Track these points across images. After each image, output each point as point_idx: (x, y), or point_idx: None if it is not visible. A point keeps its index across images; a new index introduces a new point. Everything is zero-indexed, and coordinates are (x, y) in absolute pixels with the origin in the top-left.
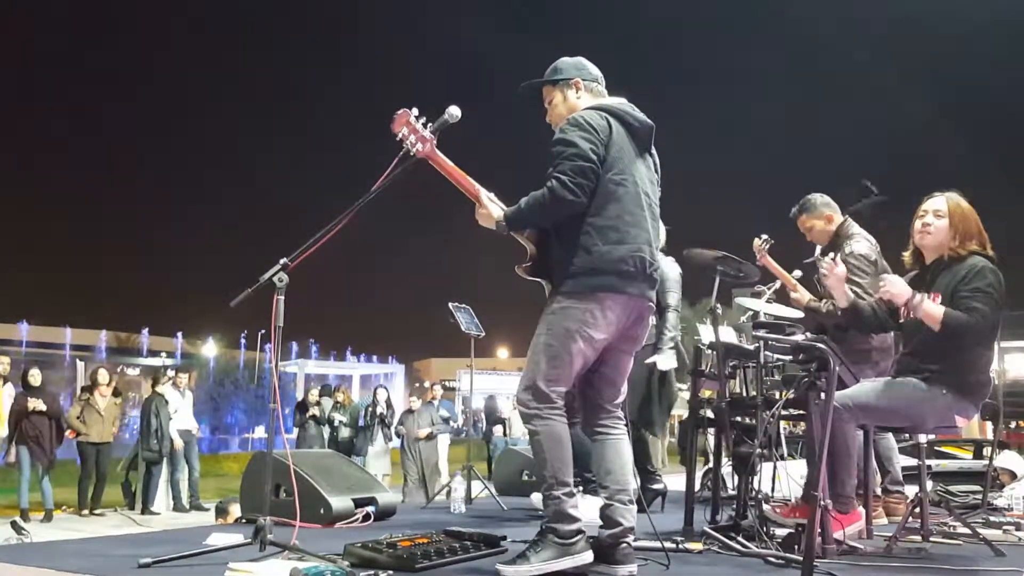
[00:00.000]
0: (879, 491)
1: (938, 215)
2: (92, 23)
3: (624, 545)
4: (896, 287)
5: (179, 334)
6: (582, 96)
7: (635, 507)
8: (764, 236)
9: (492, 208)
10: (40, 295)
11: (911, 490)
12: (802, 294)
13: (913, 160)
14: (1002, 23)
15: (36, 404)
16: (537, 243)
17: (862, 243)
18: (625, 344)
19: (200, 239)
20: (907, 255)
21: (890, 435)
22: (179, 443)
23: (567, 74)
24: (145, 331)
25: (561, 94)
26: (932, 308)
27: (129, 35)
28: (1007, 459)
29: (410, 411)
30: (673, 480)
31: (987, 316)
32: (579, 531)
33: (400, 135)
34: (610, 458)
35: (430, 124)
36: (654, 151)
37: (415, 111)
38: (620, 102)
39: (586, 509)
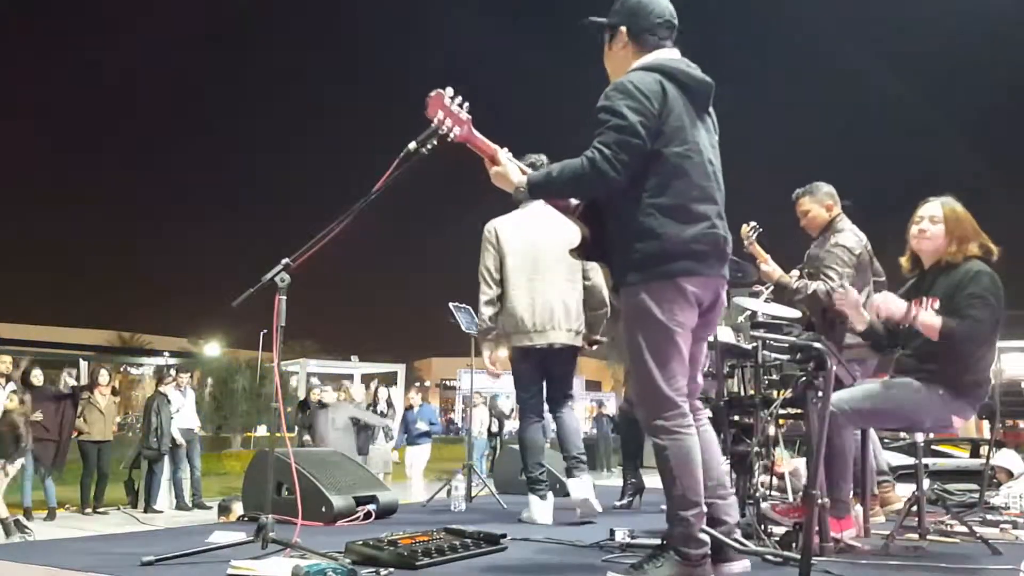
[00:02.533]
0: (876, 490)
1: (934, 221)
2: (91, 22)
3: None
4: (890, 305)
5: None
6: (627, 50)
7: (736, 500)
8: (753, 223)
9: (511, 169)
10: (42, 295)
11: (908, 488)
12: (773, 268)
13: (912, 160)
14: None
15: (34, 415)
16: (588, 224)
17: (848, 236)
18: (702, 330)
19: (202, 239)
20: (904, 260)
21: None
22: (181, 442)
23: (613, 19)
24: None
25: (608, 42)
26: (929, 319)
27: (130, 34)
28: (1004, 457)
29: (322, 405)
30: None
31: (984, 321)
32: (706, 555)
33: (436, 119)
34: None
35: (466, 104)
36: (711, 110)
37: (449, 91)
38: (673, 58)
39: (542, 510)
